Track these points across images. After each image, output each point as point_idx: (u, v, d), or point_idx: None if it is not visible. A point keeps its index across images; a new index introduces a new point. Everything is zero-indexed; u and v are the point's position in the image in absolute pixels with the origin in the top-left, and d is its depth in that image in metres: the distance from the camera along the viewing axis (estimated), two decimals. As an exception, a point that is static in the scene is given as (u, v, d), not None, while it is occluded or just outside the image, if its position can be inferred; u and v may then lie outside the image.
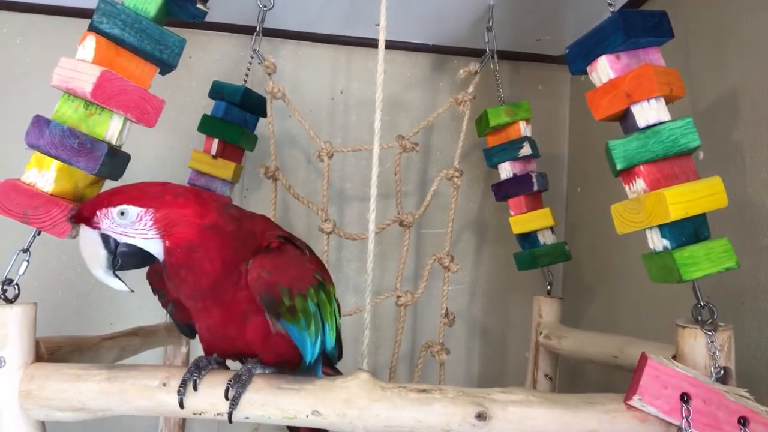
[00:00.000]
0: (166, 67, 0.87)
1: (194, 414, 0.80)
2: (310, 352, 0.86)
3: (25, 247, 0.83)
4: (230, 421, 0.79)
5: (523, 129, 1.38)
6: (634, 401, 0.80)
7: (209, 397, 0.79)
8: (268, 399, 0.80)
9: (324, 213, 1.41)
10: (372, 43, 1.60)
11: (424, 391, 0.82)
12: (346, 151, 1.47)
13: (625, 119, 0.86)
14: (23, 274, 0.83)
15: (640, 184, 0.83)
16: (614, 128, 0.90)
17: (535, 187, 1.36)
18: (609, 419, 0.81)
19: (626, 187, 0.87)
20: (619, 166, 0.84)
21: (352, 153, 1.50)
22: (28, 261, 0.83)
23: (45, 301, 0.97)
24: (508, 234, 1.42)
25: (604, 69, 0.85)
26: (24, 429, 0.78)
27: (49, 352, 0.85)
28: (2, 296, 0.81)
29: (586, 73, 0.91)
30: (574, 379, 1.58)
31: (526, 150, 1.36)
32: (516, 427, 0.80)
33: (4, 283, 0.81)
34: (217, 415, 0.80)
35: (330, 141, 1.42)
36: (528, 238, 1.38)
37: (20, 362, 0.78)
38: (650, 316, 1.30)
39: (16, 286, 0.82)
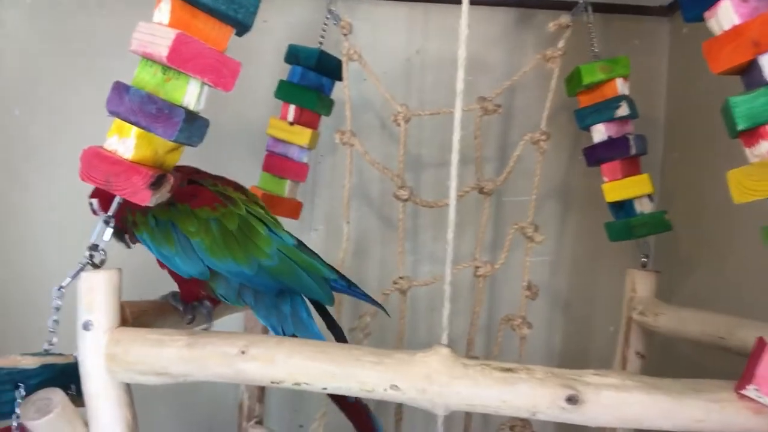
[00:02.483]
0: (242, 27, 0.84)
1: (272, 382, 0.79)
2: (181, 267, 0.91)
3: (110, 213, 0.84)
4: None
5: (621, 87, 1.26)
6: (749, 391, 0.71)
7: (286, 366, 0.78)
8: (347, 371, 0.78)
9: (400, 179, 1.36)
10: (450, -1, 1.51)
11: (509, 370, 0.77)
12: (423, 115, 1.41)
13: (749, 72, 0.75)
14: (109, 240, 0.84)
15: (765, 146, 0.73)
16: (722, 86, 0.79)
17: (633, 151, 1.25)
18: (718, 409, 0.73)
19: (747, 150, 0.76)
20: (740, 126, 0.74)
21: (429, 117, 1.44)
22: (113, 227, 0.84)
23: (135, 270, 1.01)
24: (595, 202, 1.33)
25: (726, 14, 0.74)
26: (111, 390, 0.80)
27: (134, 316, 0.86)
28: (90, 261, 0.82)
29: (701, 20, 0.80)
30: (663, 358, 1.47)
31: (623, 110, 1.24)
32: (611, 413, 0.74)
33: (90, 249, 0.82)
34: (295, 384, 0.79)
35: (406, 104, 1.36)
36: (623, 207, 1.28)
37: (106, 326, 0.80)
38: (760, 294, 1.18)
39: (102, 252, 0.83)
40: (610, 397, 0.74)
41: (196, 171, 1.02)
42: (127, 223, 0.92)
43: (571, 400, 0.74)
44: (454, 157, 0.87)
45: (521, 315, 1.34)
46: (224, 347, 0.80)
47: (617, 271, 1.36)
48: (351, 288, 0.98)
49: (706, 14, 0.78)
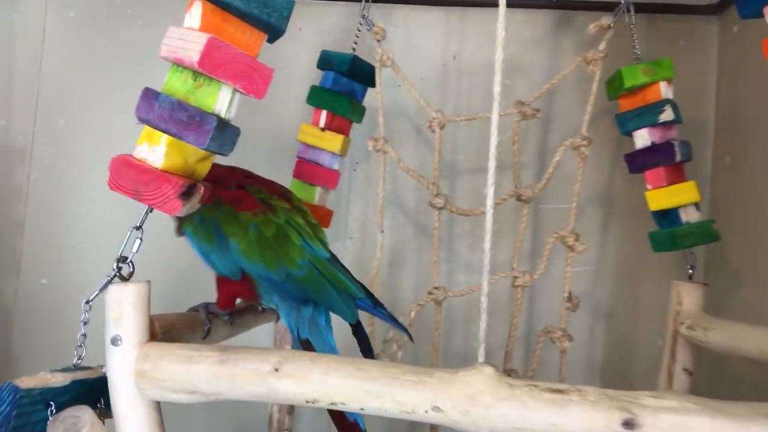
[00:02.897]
0: (275, 32, 0.81)
1: (307, 402, 0.76)
2: (216, 264, 0.95)
3: (138, 225, 0.81)
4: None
5: (664, 90, 1.20)
6: (826, 418, 0.65)
7: (321, 385, 0.74)
8: (385, 390, 0.73)
9: (435, 187, 1.32)
10: (487, 2, 1.47)
11: (559, 391, 0.71)
12: (459, 121, 1.37)
13: (819, 70, 0.69)
14: (137, 251, 0.81)
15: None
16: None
17: (678, 157, 1.19)
18: (789, 436, 0.67)
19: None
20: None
21: (465, 123, 1.40)
22: (141, 239, 0.81)
23: (164, 284, 0.99)
24: (638, 210, 1.26)
25: (793, 8, 0.68)
26: (141, 408, 0.77)
27: (163, 330, 0.84)
28: (117, 274, 0.79)
29: (760, 15, 0.75)
30: (711, 375, 1.39)
31: (667, 114, 1.18)
32: (670, 439, 0.69)
33: (118, 261, 0.79)
34: (331, 404, 0.75)
35: (441, 110, 1.32)
36: (667, 216, 1.22)
37: (135, 341, 0.77)
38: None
39: (130, 264, 0.81)
40: (669, 421, 0.69)
41: (247, 175, 1.04)
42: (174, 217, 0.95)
43: (628, 424, 0.69)
44: (491, 164, 0.83)
45: (561, 327, 1.28)
46: (257, 364, 0.76)
47: (662, 282, 1.30)
48: (376, 308, 0.98)
49: (766, 9, 0.72)
